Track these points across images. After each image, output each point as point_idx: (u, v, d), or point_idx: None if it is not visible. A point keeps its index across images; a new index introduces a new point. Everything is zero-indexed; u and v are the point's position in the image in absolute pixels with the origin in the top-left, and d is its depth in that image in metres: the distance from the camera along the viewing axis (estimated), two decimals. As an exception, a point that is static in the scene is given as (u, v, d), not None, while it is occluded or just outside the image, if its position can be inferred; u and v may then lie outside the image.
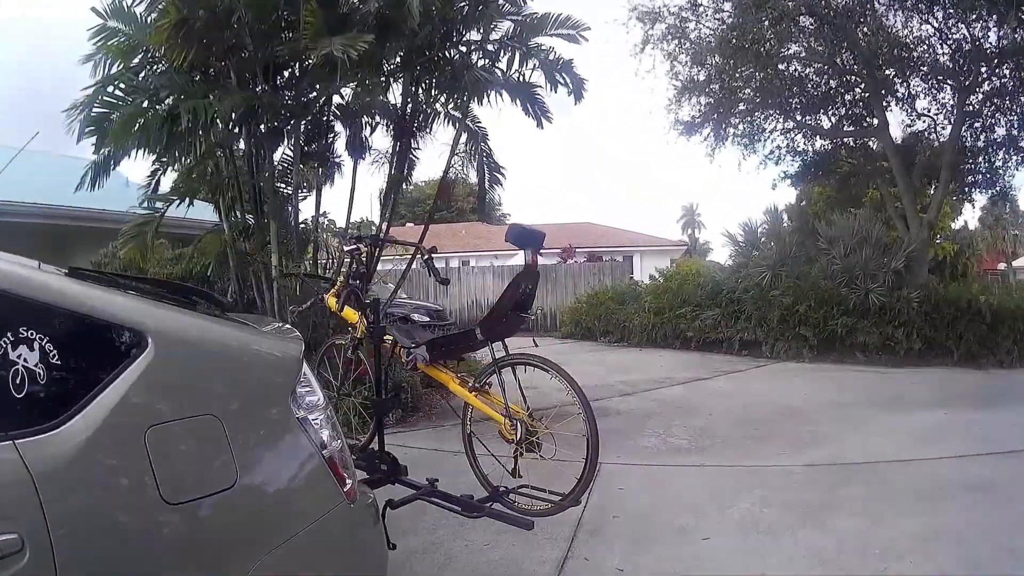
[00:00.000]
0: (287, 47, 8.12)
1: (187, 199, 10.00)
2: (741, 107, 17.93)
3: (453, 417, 8.79)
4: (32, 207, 11.83)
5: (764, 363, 14.03)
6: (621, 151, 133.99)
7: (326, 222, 11.02)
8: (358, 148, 10.06)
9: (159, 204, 9.89)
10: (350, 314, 5.01)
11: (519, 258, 19.91)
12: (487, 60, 10.11)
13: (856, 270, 14.65)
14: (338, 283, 5.31)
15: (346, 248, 5.09)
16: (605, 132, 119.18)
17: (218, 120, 8.30)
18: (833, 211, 17.95)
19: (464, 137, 10.78)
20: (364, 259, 5.29)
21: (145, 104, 8.27)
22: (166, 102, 8.46)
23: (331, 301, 5.11)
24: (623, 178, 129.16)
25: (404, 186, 11.19)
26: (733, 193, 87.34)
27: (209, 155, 9.47)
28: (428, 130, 10.81)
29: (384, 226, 11.16)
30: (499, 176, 11.38)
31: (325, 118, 10.13)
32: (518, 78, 10.04)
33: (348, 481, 2.58)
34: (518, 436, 4.49)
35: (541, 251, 4.52)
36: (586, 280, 23.15)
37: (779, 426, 8.22)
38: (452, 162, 11.00)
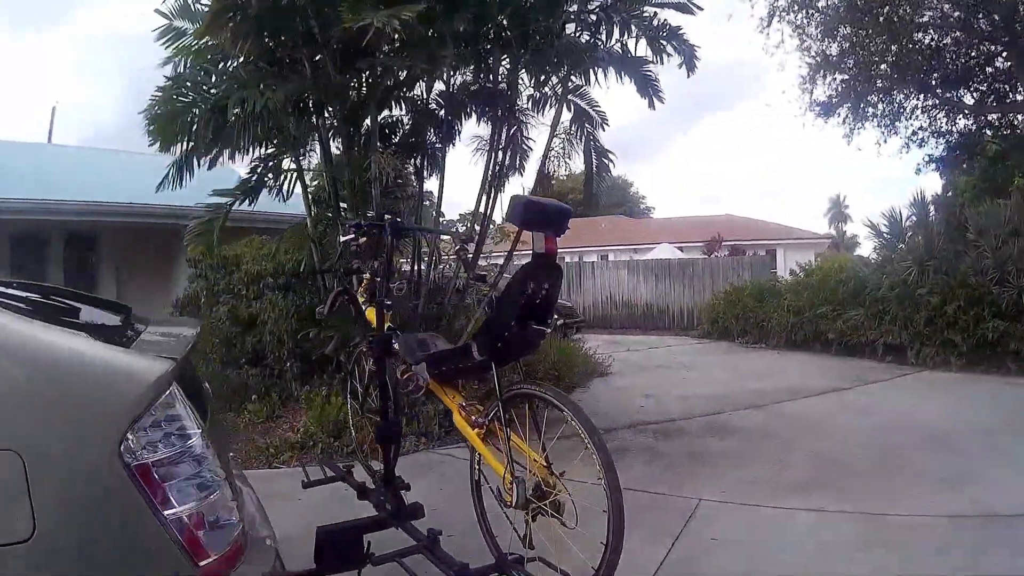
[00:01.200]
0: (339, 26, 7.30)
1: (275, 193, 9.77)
2: (879, 84, 16.18)
3: (556, 427, 8.08)
4: (159, 208, 12.10)
5: (908, 371, 12.34)
6: (765, 139, 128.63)
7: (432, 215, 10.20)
8: (448, 134, 9.47)
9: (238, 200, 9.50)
10: (372, 314, 4.34)
11: (658, 251, 18.94)
12: (587, 33, 9.26)
13: (1008, 265, 12.67)
14: (365, 279, 4.60)
15: (342, 238, 4.38)
16: (746, 118, 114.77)
17: (268, 110, 7.66)
18: (981, 201, 15.83)
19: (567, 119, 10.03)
20: (361, 249, 4.41)
21: (190, 98, 7.96)
22: (213, 94, 8.02)
23: (360, 297, 4.58)
24: (767, 168, 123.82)
25: (507, 176, 10.32)
26: (881, 182, 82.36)
27: (286, 147, 9.18)
28: (539, 114, 10.12)
29: (483, 219, 10.36)
30: (607, 161, 10.56)
31: (424, 104, 9.51)
32: (621, 50, 9.19)
33: (210, 555, 1.98)
34: (515, 499, 3.44)
35: (563, 233, 3.46)
36: (725, 275, 21.78)
37: (920, 456, 6.79)
38: (553, 145, 10.16)
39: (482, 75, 9.43)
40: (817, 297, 15.55)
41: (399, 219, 4.50)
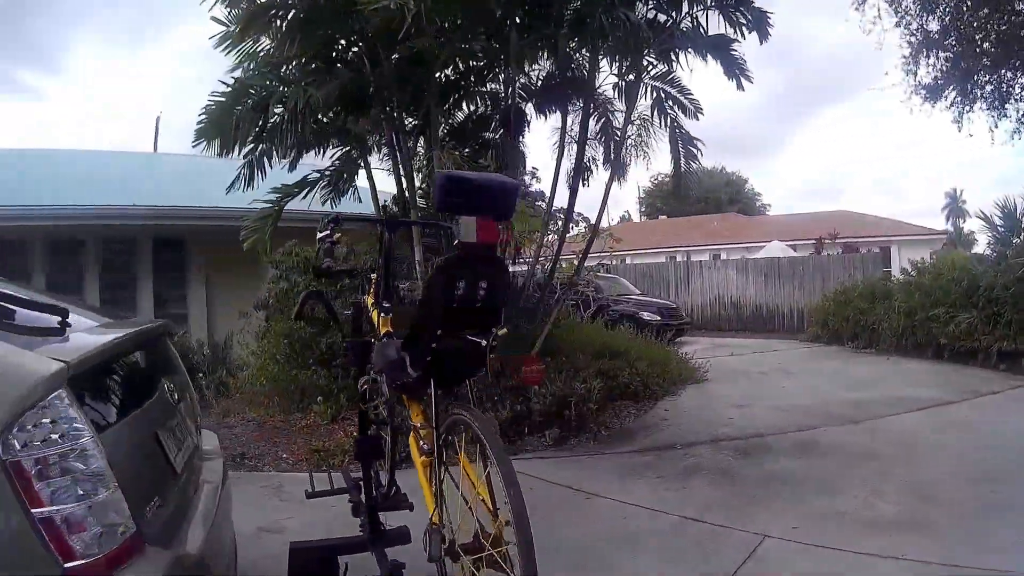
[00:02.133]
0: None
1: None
2: (985, 62, 14.55)
3: (629, 440, 7.37)
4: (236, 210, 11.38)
5: (1022, 383, 10.86)
6: (878, 132, 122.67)
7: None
8: (518, 127, 8.94)
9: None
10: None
11: (769, 249, 17.70)
12: (660, 12, 8.58)
13: None
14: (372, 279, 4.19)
15: (319, 234, 3.84)
16: (859, 110, 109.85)
17: (311, 108, 7.33)
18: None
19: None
20: (333, 247, 3.85)
21: (233, 99, 7.67)
22: (253, 95, 7.72)
23: (369, 301, 4.06)
24: (880, 161, 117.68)
25: (593, 169, 9.90)
26: (1003, 176, 77.06)
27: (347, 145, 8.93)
28: (621, 101, 9.43)
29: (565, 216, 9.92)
30: (695, 150, 9.78)
31: (502, 98, 8.98)
32: (692, 24, 8.53)
33: (79, 557, 1.95)
34: (431, 551, 2.81)
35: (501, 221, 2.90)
36: (835, 274, 20.25)
37: (1028, 489, 5.71)
38: (629, 133, 9.48)
39: (558, 64, 8.78)
40: (929, 298, 14.13)
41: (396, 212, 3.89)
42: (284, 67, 8.21)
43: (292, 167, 8.88)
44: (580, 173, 9.42)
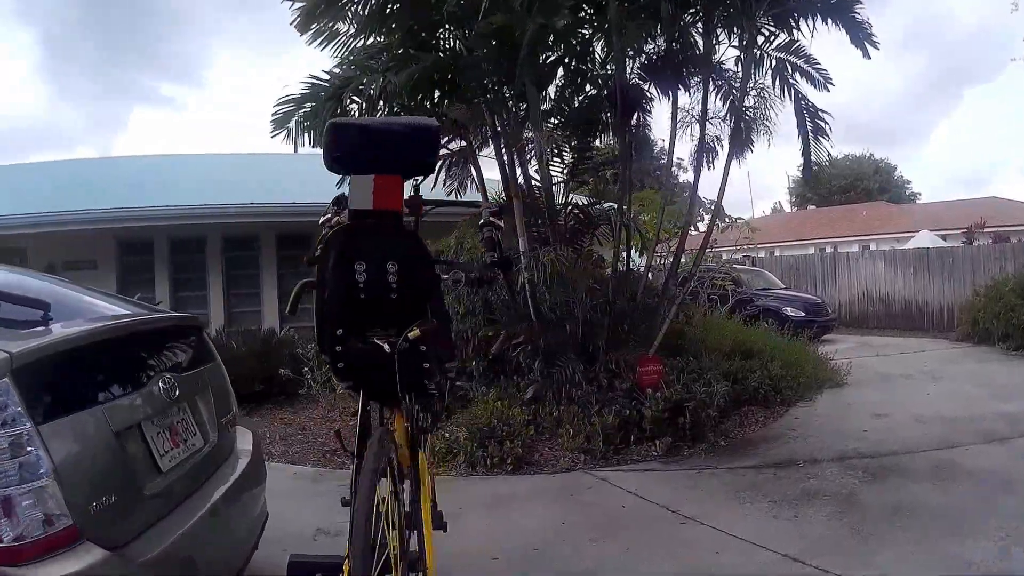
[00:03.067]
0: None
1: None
2: None
3: (748, 453, 6.93)
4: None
5: None
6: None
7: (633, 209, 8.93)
8: (626, 107, 8.10)
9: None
10: None
11: (917, 239, 16.07)
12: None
13: None
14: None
15: (321, 219, 3.21)
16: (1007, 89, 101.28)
17: (387, 93, 7.09)
18: None
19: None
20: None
21: (309, 90, 7.45)
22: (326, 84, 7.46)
23: None
24: None
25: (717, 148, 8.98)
26: None
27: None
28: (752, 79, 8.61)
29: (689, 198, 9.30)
30: (823, 124, 8.78)
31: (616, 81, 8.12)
32: None
33: (3, 539, 2.06)
34: None
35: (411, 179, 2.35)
36: (986, 267, 18.10)
37: None
38: (747, 106, 8.69)
39: (665, 35, 8.10)
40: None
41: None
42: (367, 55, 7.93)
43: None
44: (703, 154, 8.70)
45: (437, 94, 8.06)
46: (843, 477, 6.08)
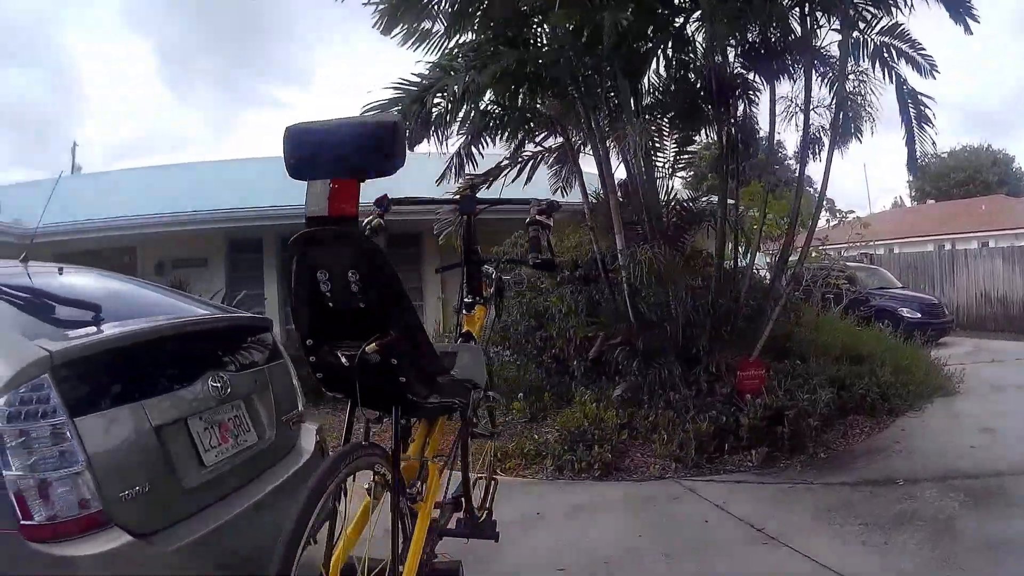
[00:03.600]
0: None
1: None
2: None
3: (846, 467, 6.42)
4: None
5: None
6: None
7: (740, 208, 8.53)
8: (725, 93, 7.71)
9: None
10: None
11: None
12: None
13: None
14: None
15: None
16: None
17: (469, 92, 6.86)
18: None
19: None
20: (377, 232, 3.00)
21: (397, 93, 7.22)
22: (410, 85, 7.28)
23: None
24: None
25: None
26: None
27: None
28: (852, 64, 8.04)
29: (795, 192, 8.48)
30: (926, 111, 8.10)
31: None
32: None
33: (35, 518, 2.29)
34: None
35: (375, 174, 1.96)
36: None
37: None
38: (850, 93, 8.09)
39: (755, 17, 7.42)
40: None
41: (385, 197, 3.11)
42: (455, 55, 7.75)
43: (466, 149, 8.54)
44: (807, 146, 8.17)
45: (524, 90, 7.78)
46: (943, 500, 5.46)
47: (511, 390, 8.66)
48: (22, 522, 2.27)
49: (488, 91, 7.45)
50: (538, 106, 8.26)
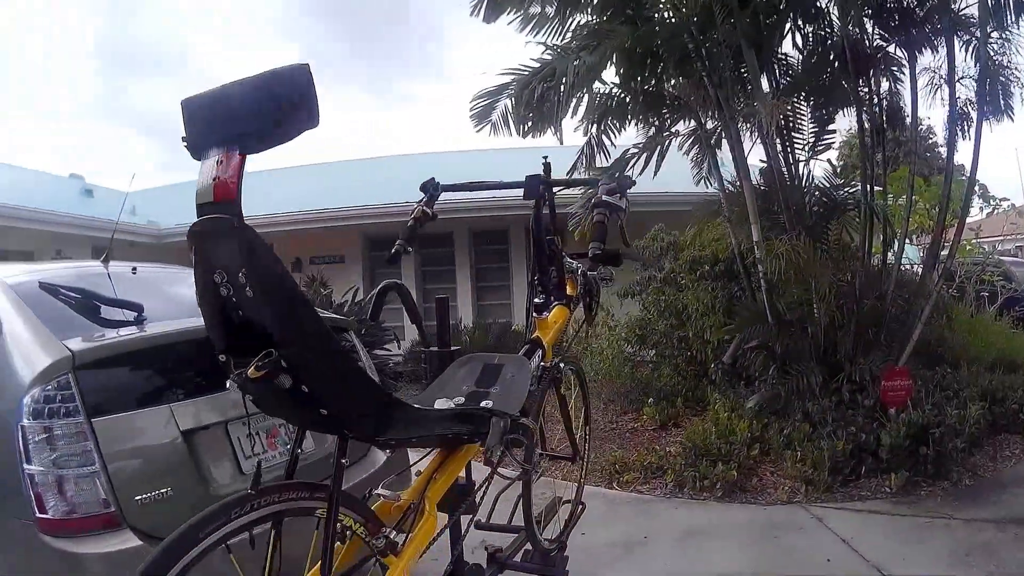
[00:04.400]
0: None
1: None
2: None
3: (990, 498, 5.57)
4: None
5: None
6: None
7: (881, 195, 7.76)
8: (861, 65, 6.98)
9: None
10: (550, 320, 2.86)
11: None
12: None
13: None
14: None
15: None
16: None
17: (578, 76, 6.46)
18: None
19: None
20: (420, 222, 2.68)
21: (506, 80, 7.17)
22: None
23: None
24: None
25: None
26: None
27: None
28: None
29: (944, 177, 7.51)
30: None
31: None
32: None
33: (49, 512, 2.41)
34: None
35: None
36: None
37: None
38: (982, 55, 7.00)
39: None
40: None
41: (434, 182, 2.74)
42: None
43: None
44: (954, 121, 7.19)
45: (645, 70, 7.33)
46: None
47: (644, 393, 8.20)
48: (37, 515, 2.39)
49: (603, 73, 7.08)
50: (665, 88, 7.74)
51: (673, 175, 8.93)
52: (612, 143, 8.21)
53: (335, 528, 1.76)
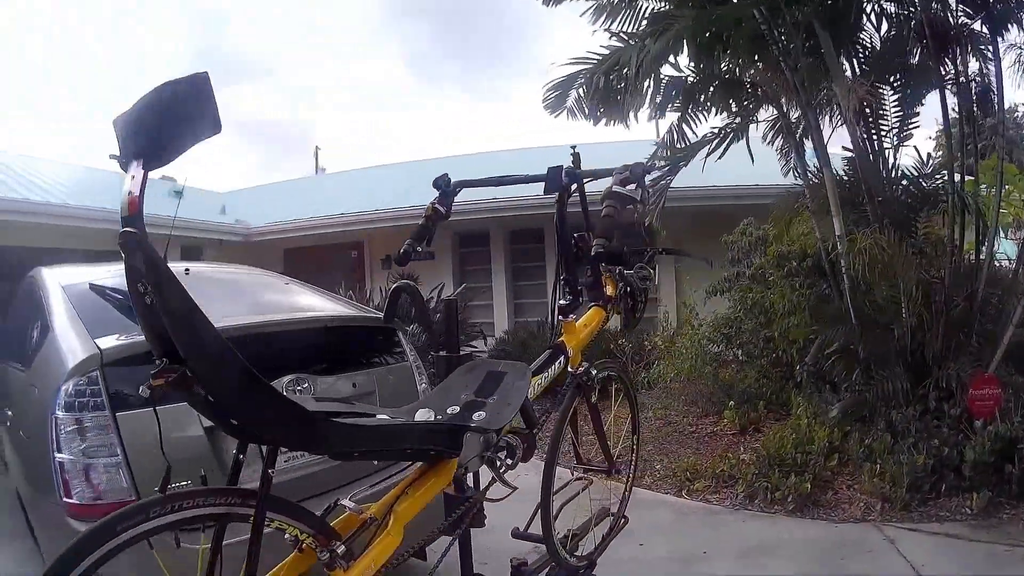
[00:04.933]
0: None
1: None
2: None
3: None
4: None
5: None
6: None
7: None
8: (938, 49, 6.39)
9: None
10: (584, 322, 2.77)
11: None
12: None
13: None
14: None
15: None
16: None
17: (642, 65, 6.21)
18: None
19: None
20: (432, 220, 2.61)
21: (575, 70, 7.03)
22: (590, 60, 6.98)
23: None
24: None
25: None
26: None
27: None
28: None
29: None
30: None
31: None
32: None
33: (75, 498, 2.62)
34: None
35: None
36: None
37: None
38: None
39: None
40: None
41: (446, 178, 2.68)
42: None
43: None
44: None
45: (716, 55, 7.00)
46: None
47: (727, 395, 7.80)
48: (63, 499, 2.61)
49: (671, 59, 6.80)
50: (741, 73, 7.42)
51: (765, 168, 8.49)
52: (694, 132, 7.87)
53: (260, 535, 1.67)
